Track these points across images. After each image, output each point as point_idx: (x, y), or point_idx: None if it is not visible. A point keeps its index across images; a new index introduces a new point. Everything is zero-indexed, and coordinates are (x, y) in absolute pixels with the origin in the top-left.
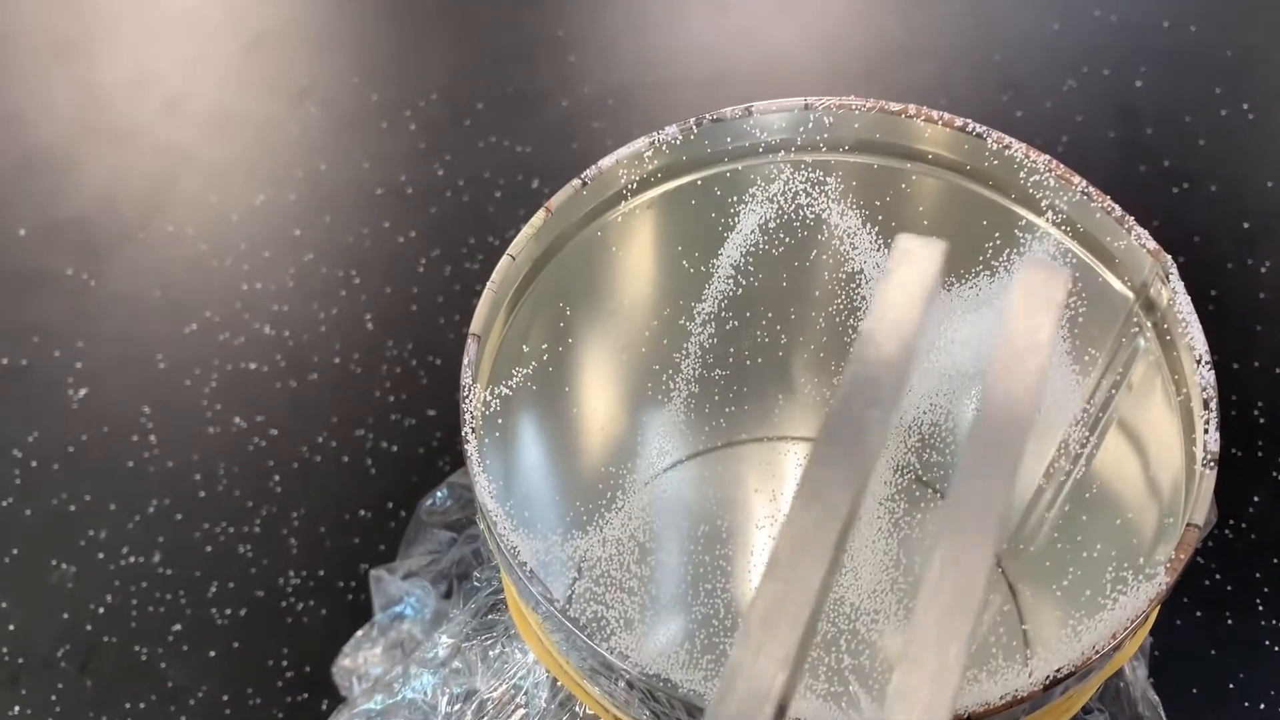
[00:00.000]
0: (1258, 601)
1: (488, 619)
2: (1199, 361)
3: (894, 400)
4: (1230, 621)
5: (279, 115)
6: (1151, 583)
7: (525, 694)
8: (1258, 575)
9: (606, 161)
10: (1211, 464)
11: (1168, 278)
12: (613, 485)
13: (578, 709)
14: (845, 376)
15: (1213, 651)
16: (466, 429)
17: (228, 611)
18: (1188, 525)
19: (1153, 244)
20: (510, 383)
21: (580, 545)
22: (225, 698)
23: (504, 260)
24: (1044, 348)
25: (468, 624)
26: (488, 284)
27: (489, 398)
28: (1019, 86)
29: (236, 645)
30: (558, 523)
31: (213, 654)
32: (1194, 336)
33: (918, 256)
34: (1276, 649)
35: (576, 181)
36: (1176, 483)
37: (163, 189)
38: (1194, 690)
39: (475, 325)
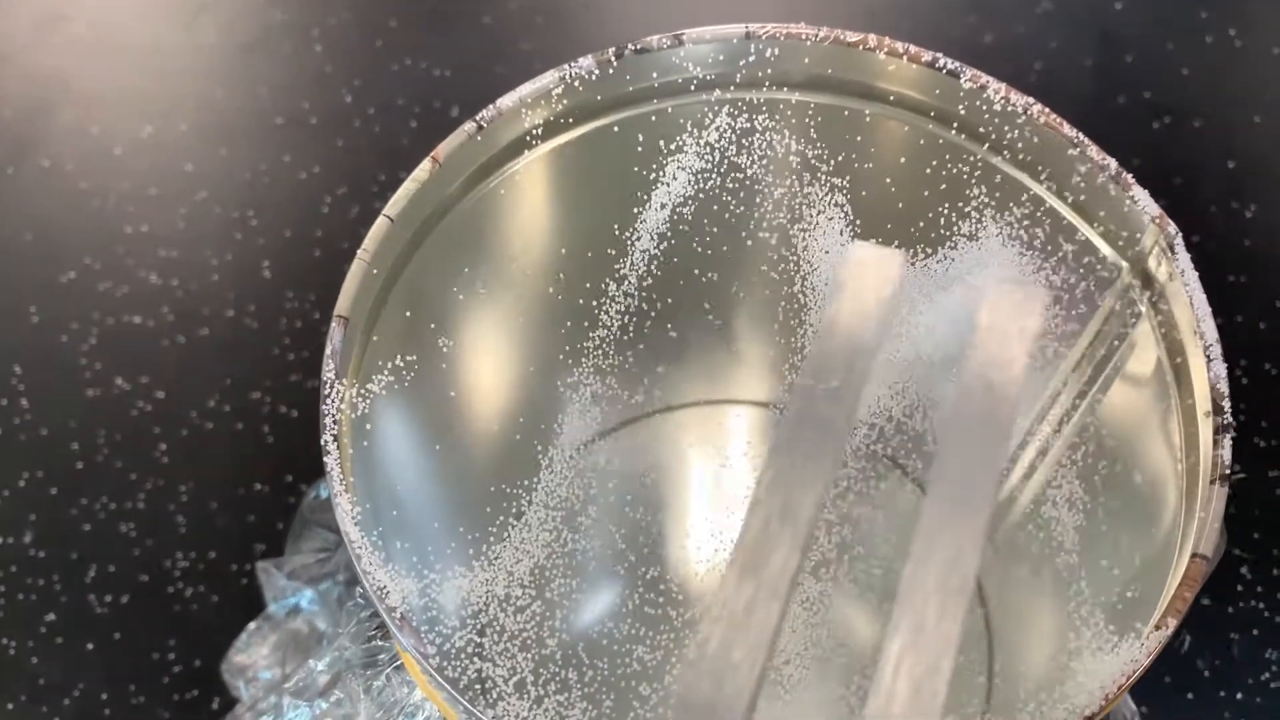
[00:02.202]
0: (1236, 585)
1: (371, 645)
2: (1207, 353)
3: (842, 445)
4: (1207, 603)
5: (169, 36)
6: (1147, 637)
7: None
8: (1236, 552)
9: (506, 101)
10: (1222, 480)
11: (1172, 249)
12: (510, 503)
13: None
14: (787, 414)
15: (1186, 636)
16: (327, 436)
17: (108, 599)
18: (1193, 556)
19: (1155, 208)
20: (385, 376)
21: (464, 585)
22: (104, 696)
23: (379, 223)
24: (1015, 385)
25: (348, 649)
26: (358, 253)
27: (357, 397)
28: (988, 8)
29: (117, 637)
30: (439, 555)
31: (90, 647)
32: (1202, 321)
33: (873, 268)
34: (1254, 633)
35: (470, 125)
36: (1174, 492)
37: (37, 120)
38: (1166, 679)
39: (342, 305)
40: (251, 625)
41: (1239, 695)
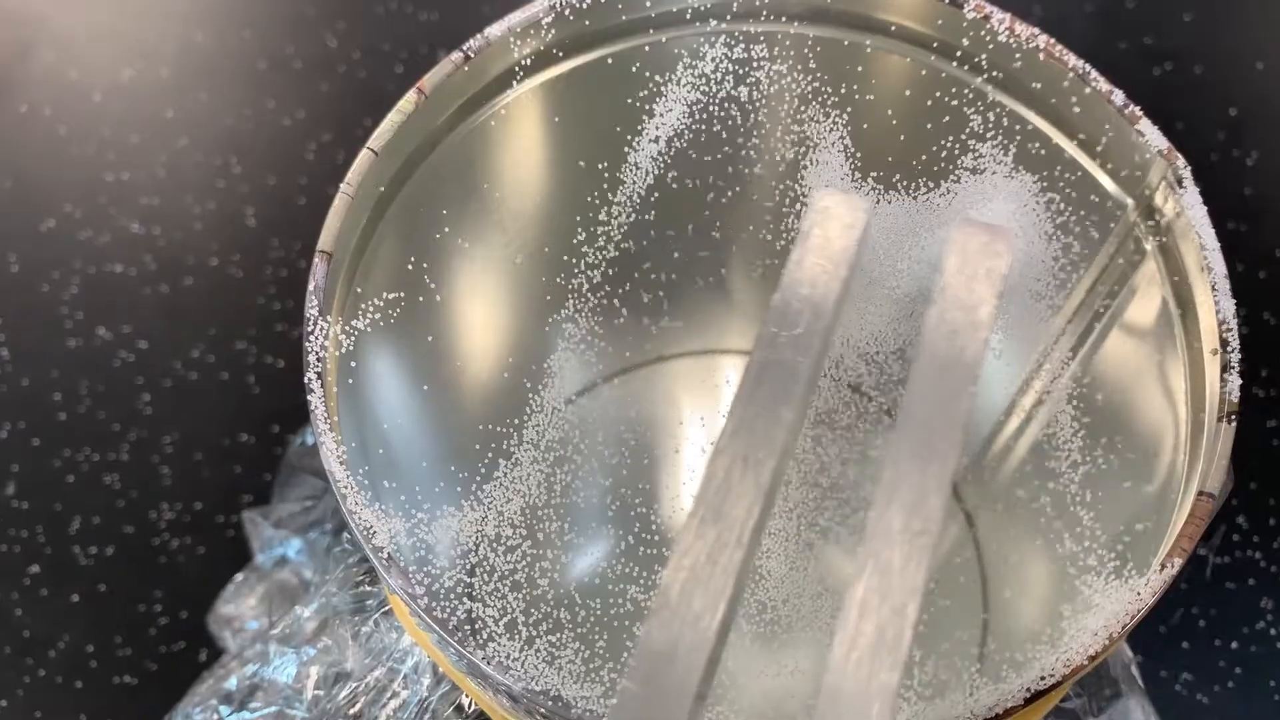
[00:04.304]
0: (1232, 534)
1: (359, 590)
2: (1214, 288)
3: (808, 393)
4: (1202, 552)
5: None
6: (1152, 576)
7: (404, 678)
8: (1233, 502)
9: (495, 30)
10: (1230, 418)
11: (1180, 184)
12: (500, 443)
13: (464, 700)
14: (750, 364)
15: (1183, 585)
16: (311, 374)
17: (92, 550)
18: (1200, 494)
19: (1163, 142)
20: (371, 313)
21: (453, 525)
22: (90, 648)
23: (363, 156)
24: (982, 329)
25: (335, 595)
26: (341, 186)
27: (342, 334)
28: None
29: (103, 589)
30: (428, 495)
31: (76, 599)
32: (1210, 257)
33: (839, 216)
34: (1250, 582)
35: (457, 55)
36: (1178, 433)
37: (13, 63)
38: (1161, 629)
39: (325, 240)
40: (238, 576)
41: (1234, 644)
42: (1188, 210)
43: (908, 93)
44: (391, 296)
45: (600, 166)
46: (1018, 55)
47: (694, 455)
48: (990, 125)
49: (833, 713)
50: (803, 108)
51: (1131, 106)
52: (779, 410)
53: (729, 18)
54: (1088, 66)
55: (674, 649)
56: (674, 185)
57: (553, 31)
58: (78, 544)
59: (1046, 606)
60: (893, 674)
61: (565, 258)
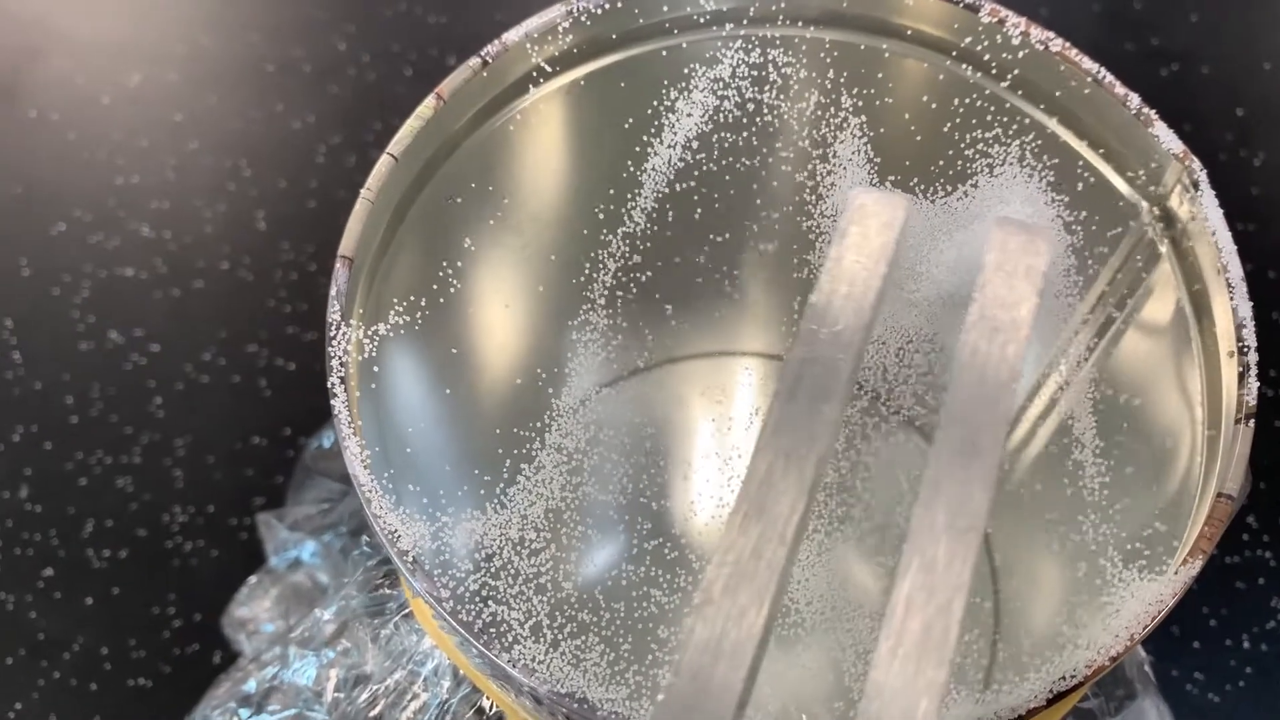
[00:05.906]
0: (1243, 534)
1: (378, 593)
2: (1232, 291)
3: (848, 389)
4: (1213, 552)
5: None
6: (1172, 577)
7: (424, 681)
8: (1243, 504)
9: (512, 36)
10: (1248, 420)
11: (1195, 187)
12: (522, 446)
13: (485, 703)
14: (790, 361)
15: (1193, 586)
16: (334, 379)
17: (105, 553)
18: (1219, 495)
19: (1178, 145)
20: (392, 318)
21: (477, 528)
22: (104, 651)
23: (383, 161)
24: (1024, 326)
25: (355, 598)
26: (362, 192)
27: (364, 338)
28: None
29: (116, 591)
30: (451, 498)
31: (89, 601)
32: (1228, 261)
33: (877, 214)
34: (1260, 582)
35: (475, 61)
36: (1194, 434)
37: (22, 68)
38: (1173, 629)
39: (346, 246)
40: (252, 579)
41: (1245, 643)
42: (1204, 213)
43: (924, 97)
44: (412, 300)
45: (617, 170)
46: (1033, 59)
47: (710, 453)
48: (1005, 128)
49: (878, 707)
50: (820, 111)
51: (1146, 110)
52: (820, 407)
53: (746, 22)
54: (1103, 70)
55: (719, 644)
56: (690, 188)
57: (570, 36)
58: (91, 547)
59: (1060, 607)
60: (940, 670)
61: (583, 261)
